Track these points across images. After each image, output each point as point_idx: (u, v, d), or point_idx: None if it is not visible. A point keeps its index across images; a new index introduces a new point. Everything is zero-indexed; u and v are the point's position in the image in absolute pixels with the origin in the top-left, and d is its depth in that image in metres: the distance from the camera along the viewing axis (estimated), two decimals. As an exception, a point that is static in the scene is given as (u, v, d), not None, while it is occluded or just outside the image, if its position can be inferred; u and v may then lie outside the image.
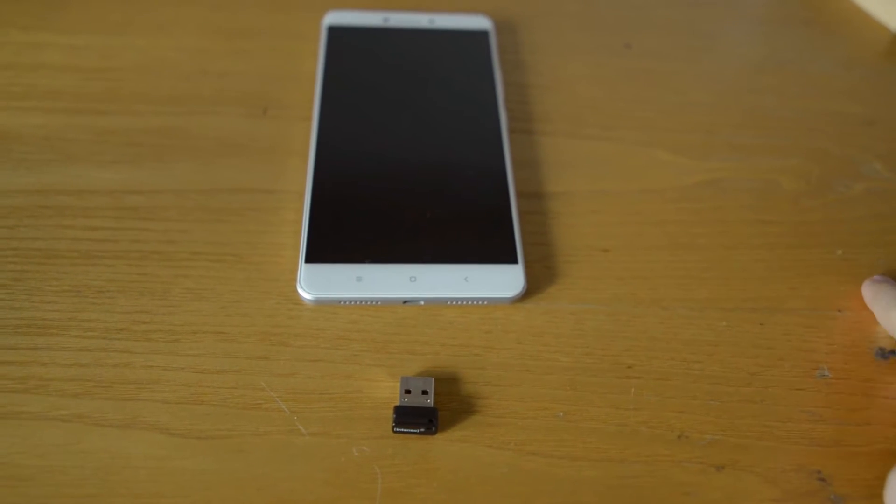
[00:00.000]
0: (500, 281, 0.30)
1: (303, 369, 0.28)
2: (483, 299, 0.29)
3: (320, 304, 0.29)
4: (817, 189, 0.36)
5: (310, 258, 0.30)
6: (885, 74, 0.42)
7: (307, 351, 0.28)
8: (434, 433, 0.26)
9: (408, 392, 0.27)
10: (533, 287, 0.31)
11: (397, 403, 0.27)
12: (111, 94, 0.37)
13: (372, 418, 0.27)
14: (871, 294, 0.31)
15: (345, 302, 0.29)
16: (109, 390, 0.27)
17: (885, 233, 0.34)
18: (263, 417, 0.27)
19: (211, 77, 0.38)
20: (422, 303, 0.29)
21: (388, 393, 0.27)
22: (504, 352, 0.29)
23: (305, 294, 0.29)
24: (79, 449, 0.25)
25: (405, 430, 0.26)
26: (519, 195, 0.34)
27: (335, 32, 0.39)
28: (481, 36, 0.40)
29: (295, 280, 0.30)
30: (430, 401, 0.27)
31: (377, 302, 0.29)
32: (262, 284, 0.30)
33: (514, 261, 0.30)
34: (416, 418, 0.26)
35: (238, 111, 0.37)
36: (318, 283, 0.29)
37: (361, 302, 0.29)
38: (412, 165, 0.34)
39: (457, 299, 0.29)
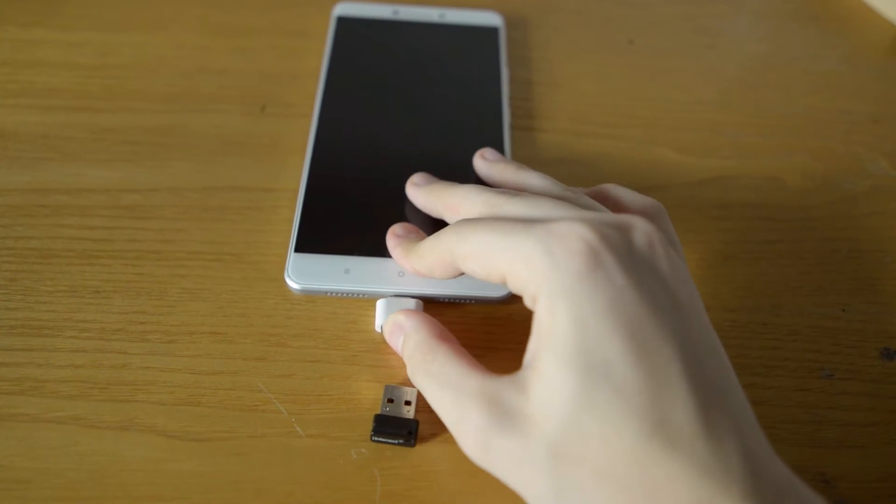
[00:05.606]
0: None
1: (301, 370, 0.28)
2: (473, 298, 0.29)
3: (307, 293, 0.29)
4: (822, 187, 0.35)
5: (299, 248, 0.30)
6: (890, 71, 0.41)
7: (305, 351, 0.28)
8: (413, 445, 0.26)
9: (390, 401, 0.26)
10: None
11: (378, 412, 0.26)
12: (109, 92, 0.36)
13: (371, 420, 0.26)
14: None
15: (332, 293, 0.29)
16: (105, 392, 0.26)
17: (890, 230, 0.34)
18: (261, 419, 0.26)
19: (210, 74, 0.38)
20: (411, 299, 0.29)
21: (388, 394, 0.27)
22: (506, 352, 0.29)
23: (293, 283, 0.29)
24: (75, 451, 0.25)
25: (384, 439, 0.26)
26: (520, 193, 0.33)
27: (344, 23, 0.39)
28: (491, 32, 0.40)
29: (292, 278, 0.30)
30: (411, 412, 0.26)
31: (364, 295, 0.29)
32: (260, 284, 0.30)
33: None
34: (395, 429, 0.25)
35: (237, 109, 0.36)
36: (306, 273, 0.29)
37: (348, 294, 0.29)
38: (411, 160, 0.33)
39: (447, 297, 0.29)
